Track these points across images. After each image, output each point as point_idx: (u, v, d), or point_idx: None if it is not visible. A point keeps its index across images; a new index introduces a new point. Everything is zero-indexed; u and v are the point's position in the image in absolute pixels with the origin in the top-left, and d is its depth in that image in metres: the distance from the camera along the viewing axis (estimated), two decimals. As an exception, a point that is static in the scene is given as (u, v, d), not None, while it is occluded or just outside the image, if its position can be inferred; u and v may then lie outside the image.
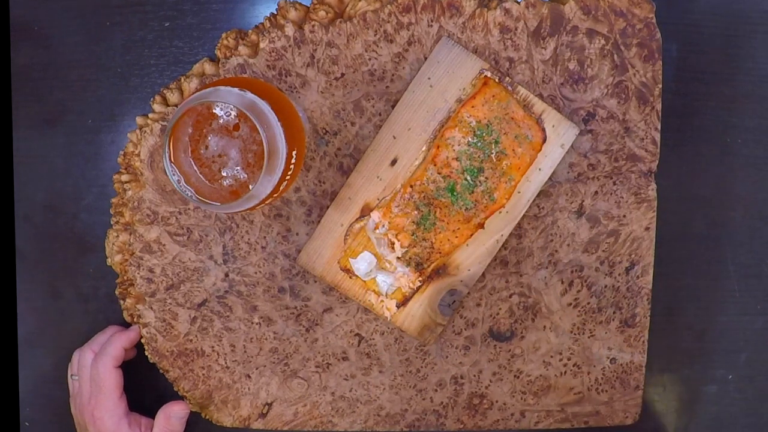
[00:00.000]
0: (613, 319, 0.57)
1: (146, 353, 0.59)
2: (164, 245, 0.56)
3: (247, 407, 0.59)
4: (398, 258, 0.55)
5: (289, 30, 0.53)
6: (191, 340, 0.58)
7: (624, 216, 0.56)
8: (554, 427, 0.59)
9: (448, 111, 0.54)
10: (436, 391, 0.58)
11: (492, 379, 0.58)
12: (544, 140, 0.54)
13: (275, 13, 0.55)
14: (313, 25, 0.53)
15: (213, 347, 0.58)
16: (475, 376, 0.58)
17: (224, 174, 0.44)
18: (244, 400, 0.59)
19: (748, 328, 0.60)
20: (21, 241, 0.60)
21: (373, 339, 0.57)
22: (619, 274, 0.56)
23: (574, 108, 0.54)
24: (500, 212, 0.54)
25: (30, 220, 0.60)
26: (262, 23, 0.55)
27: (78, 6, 0.57)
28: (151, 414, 0.58)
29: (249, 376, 0.59)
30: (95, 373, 0.56)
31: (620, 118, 0.54)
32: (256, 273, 0.57)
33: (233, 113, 0.43)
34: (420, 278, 0.56)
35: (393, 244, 0.55)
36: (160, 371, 0.59)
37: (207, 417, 0.59)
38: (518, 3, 0.53)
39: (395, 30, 0.54)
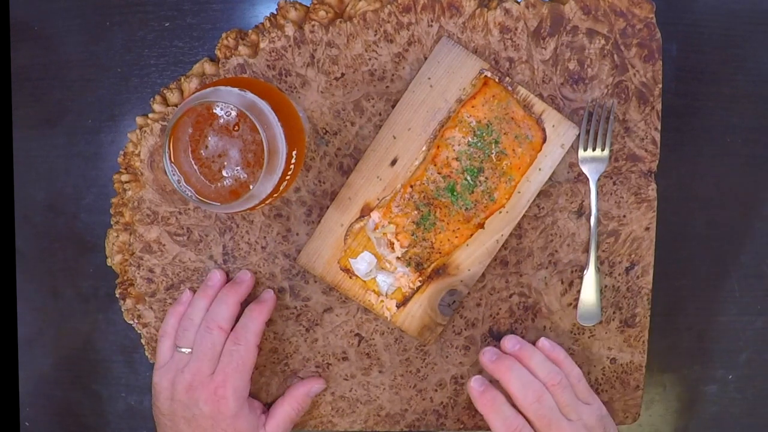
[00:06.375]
0: (613, 319, 0.57)
1: (146, 353, 0.59)
2: (164, 245, 0.56)
3: (247, 407, 0.59)
4: (398, 258, 0.55)
5: (289, 30, 0.53)
6: (191, 340, 0.58)
7: (624, 216, 0.56)
8: (554, 427, 0.58)
9: (448, 111, 0.54)
10: (436, 391, 0.58)
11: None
12: (544, 140, 0.54)
13: (275, 13, 0.55)
14: (313, 25, 0.53)
15: (213, 347, 0.58)
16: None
17: (224, 174, 0.44)
18: (244, 400, 0.59)
19: (748, 328, 0.60)
20: (21, 241, 0.60)
21: (373, 339, 0.57)
22: (619, 274, 0.56)
23: (574, 108, 0.54)
24: (500, 212, 0.54)
25: (30, 220, 0.60)
26: (262, 23, 0.55)
27: (78, 6, 0.57)
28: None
29: (249, 376, 0.58)
30: (234, 350, 0.52)
31: (620, 118, 0.54)
32: (256, 273, 0.57)
33: (233, 113, 0.43)
34: (420, 278, 0.55)
35: (393, 244, 0.55)
36: (160, 371, 0.59)
37: (207, 417, 0.59)
38: (518, 3, 0.53)
39: (395, 30, 0.54)
